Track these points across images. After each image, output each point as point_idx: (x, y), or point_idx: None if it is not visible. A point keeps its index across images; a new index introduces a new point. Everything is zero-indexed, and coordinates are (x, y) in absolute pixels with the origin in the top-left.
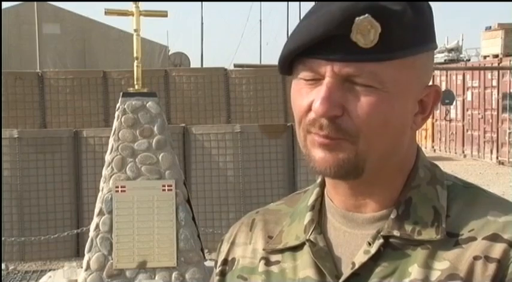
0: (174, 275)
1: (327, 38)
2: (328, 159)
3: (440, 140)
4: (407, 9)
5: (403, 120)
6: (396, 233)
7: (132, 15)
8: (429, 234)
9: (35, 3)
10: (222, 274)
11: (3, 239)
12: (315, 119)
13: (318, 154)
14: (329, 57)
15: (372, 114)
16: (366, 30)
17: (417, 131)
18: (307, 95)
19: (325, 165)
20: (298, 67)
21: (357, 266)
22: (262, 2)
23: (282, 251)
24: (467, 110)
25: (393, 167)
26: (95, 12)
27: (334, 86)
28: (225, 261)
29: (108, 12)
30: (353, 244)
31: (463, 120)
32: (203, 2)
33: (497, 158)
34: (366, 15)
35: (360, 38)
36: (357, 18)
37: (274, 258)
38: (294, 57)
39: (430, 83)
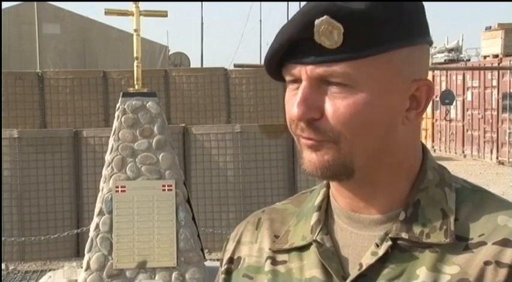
0: (174, 275)
1: (296, 42)
2: (314, 161)
3: (440, 140)
4: (375, 6)
5: (387, 118)
6: (404, 235)
7: (132, 15)
8: (437, 237)
9: (35, 3)
10: (228, 272)
11: (3, 239)
12: (296, 123)
13: (307, 156)
14: (302, 61)
15: (350, 116)
16: (327, 32)
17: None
18: (292, 101)
19: (312, 166)
20: (283, 73)
21: (364, 267)
22: (262, 2)
23: (288, 250)
24: (467, 110)
25: (391, 167)
26: (95, 12)
27: (309, 90)
28: (231, 260)
29: (108, 12)
30: (360, 245)
31: (463, 120)
32: (203, 2)
33: (497, 158)
34: (324, 17)
35: (324, 39)
36: (316, 21)
37: (280, 257)
38: (279, 64)
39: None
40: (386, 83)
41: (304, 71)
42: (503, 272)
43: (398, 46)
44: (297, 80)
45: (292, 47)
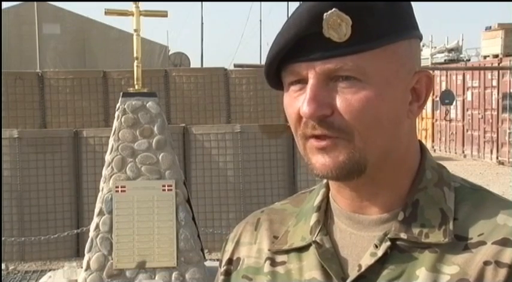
0: (174, 275)
1: (302, 39)
2: (328, 163)
3: (440, 140)
4: None
5: (396, 110)
6: (403, 235)
7: (132, 15)
8: (436, 237)
9: (35, 3)
10: (227, 274)
11: (3, 239)
12: (306, 122)
13: (318, 160)
14: (309, 58)
15: (362, 110)
16: (336, 25)
17: (417, 131)
18: (297, 102)
19: (326, 169)
20: (284, 77)
21: (363, 269)
22: (262, 2)
23: (287, 251)
24: (467, 110)
25: (394, 164)
26: (95, 12)
27: (318, 86)
28: (230, 261)
29: (108, 12)
30: (359, 246)
31: (463, 120)
32: (203, 2)
33: (497, 158)
34: (333, 9)
35: (332, 33)
36: (325, 14)
37: (279, 258)
38: (279, 68)
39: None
40: (393, 75)
41: (312, 68)
42: (503, 272)
43: (400, 37)
44: (301, 80)
45: (296, 45)
